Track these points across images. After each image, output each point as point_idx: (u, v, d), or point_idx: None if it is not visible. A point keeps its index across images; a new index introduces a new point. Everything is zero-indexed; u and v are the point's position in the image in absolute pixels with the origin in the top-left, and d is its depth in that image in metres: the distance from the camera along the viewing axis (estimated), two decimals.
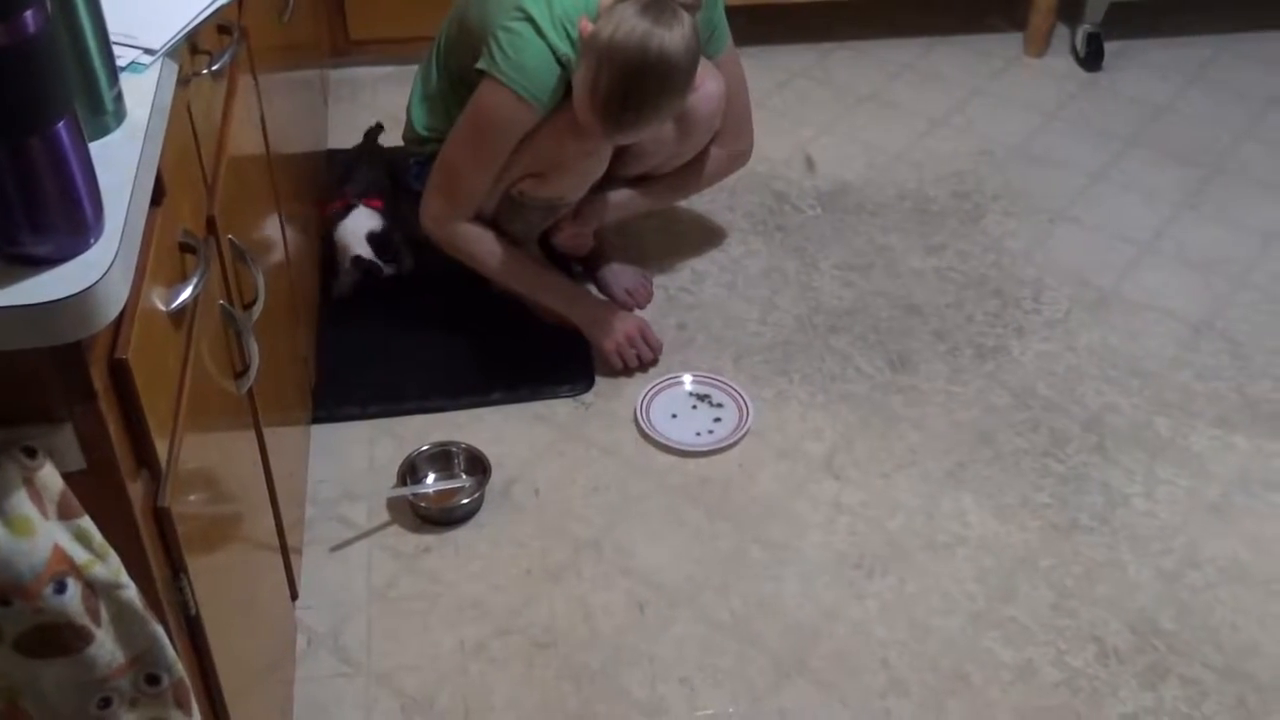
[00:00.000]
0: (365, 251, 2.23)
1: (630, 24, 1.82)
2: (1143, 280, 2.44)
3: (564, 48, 1.92)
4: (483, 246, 2.12)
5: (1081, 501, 2.00)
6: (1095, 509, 1.98)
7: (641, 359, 2.18)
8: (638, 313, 2.29)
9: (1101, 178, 2.70)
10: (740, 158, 2.31)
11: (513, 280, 2.16)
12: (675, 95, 1.89)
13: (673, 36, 1.83)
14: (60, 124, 0.89)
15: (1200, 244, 2.53)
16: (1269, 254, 2.50)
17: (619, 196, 2.24)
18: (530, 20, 1.90)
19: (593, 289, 2.34)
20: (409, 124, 2.20)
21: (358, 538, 1.92)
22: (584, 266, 2.36)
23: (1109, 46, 3.05)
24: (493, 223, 2.14)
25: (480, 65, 1.94)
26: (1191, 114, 2.91)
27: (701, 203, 2.51)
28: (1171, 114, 2.91)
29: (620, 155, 2.13)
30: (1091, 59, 3.04)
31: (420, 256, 2.29)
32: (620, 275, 2.34)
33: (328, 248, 2.29)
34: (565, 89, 1.96)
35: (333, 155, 2.56)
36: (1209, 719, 1.70)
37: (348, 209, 2.28)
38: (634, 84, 1.84)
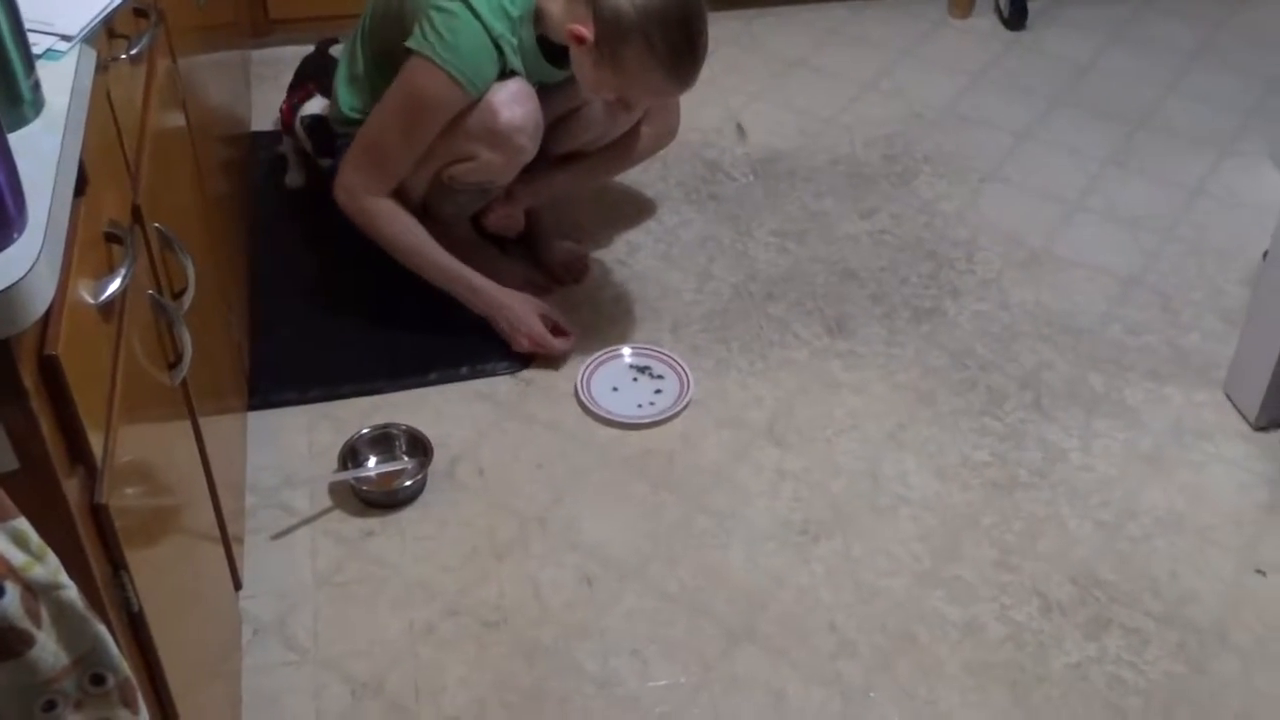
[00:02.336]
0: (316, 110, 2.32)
1: None
2: (1073, 237, 2.47)
3: (501, 29, 1.89)
4: (394, 227, 2.07)
5: (1020, 458, 2.02)
6: (1034, 465, 2.01)
7: (551, 356, 2.16)
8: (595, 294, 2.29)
9: (1029, 137, 2.73)
10: (667, 135, 2.30)
11: (418, 265, 2.10)
12: (707, 15, 1.87)
13: None
14: None
15: (1128, 200, 2.56)
16: (1195, 207, 2.55)
17: (549, 177, 2.23)
18: (466, 2, 1.87)
19: (513, 266, 2.33)
20: (334, 105, 2.17)
21: (300, 524, 1.90)
22: (520, 242, 2.34)
23: (1032, 6, 3.07)
24: (423, 206, 2.12)
25: (410, 44, 1.91)
26: (1115, 71, 2.95)
27: (634, 173, 2.50)
28: (1095, 71, 2.94)
29: (550, 134, 2.12)
30: (1015, 19, 3.06)
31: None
32: (555, 251, 2.32)
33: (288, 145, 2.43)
34: (501, 72, 1.94)
35: (258, 136, 2.52)
36: (1151, 666, 1.74)
37: (309, 96, 2.35)
38: (689, 29, 1.83)
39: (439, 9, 1.88)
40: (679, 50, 1.83)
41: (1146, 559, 1.88)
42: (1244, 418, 2.09)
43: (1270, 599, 1.83)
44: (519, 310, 2.13)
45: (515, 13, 1.90)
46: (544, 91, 2.03)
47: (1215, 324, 2.27)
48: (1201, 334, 2.25)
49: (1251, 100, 2.84)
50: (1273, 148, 2.66)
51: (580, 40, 1.85)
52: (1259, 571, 1.87)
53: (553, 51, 1.96)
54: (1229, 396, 2.12)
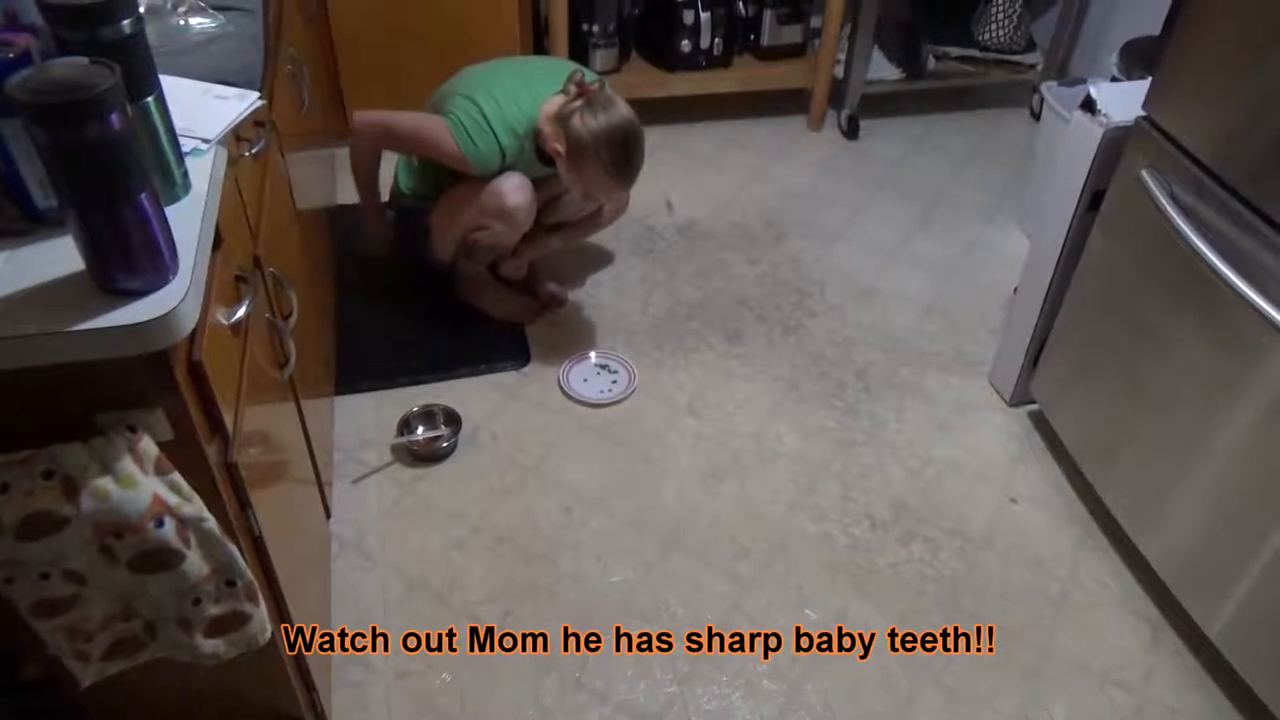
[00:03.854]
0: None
1: (596, 121, 1.79)
2: (891, 277, 2.48)
3: (508, 143, 1.88)
4: (364, 161, 2.04)
5: (856, 425, 2.03)
6: (865, 430, 2.02)
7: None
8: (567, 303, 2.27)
9: (861, 210, 2.75)
10: (621, 210, 2.28)
11: (355, 178, 2.07)
12: (643, 136, 1.85)
13: (622, 106, 1.82)
14: (143, 195, 0.85)
15: (927, 252, 2.58)
16: (972, 257, 2.57)
17: (543, 240, 2.20)
18: (484, 117, 1.86)
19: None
20: (395, 184, 2.14)
21: (371, 473, 1.88)
22: (522, 283, 2.32)
23: (863, 124, 3.09)
24: (452, 262, 2.10)
25: (448, 124, 1.86)
26: (917, 166, 2.97)
27: (597, 236, 2.49)
28: (905, 167, 2.97)
29: (542, 212, 2.11)
30: (852, 132, 3.08)
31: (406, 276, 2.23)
32: (545, 288, 2.31)
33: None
34: (502, 167, 1.92)
35: (341, 208, 2.49)
36: (942, 564, 1.76)
37: None
38: (630, 149, 1.82)
39: (465, 112, 1.87)
40: (620, 164, 1.83)
41: (939, 493, 1.90)
42: (1002, 398, 2.11)
43: (1019, 518, 1.85)
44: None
45: (521, 131, 1.89)
46: (539, 182, 2.01)
47: (984, 335, 2.29)
48: (975, 342, 2.28)
49: (1005, 185, 2.87)
50: (1020, 218, 2.70)
51: (558, 154, 1.84)
52: (1011, 500, 1.89)
53: (546, 156, 1.95)
54: (992, 384, 2.14)
